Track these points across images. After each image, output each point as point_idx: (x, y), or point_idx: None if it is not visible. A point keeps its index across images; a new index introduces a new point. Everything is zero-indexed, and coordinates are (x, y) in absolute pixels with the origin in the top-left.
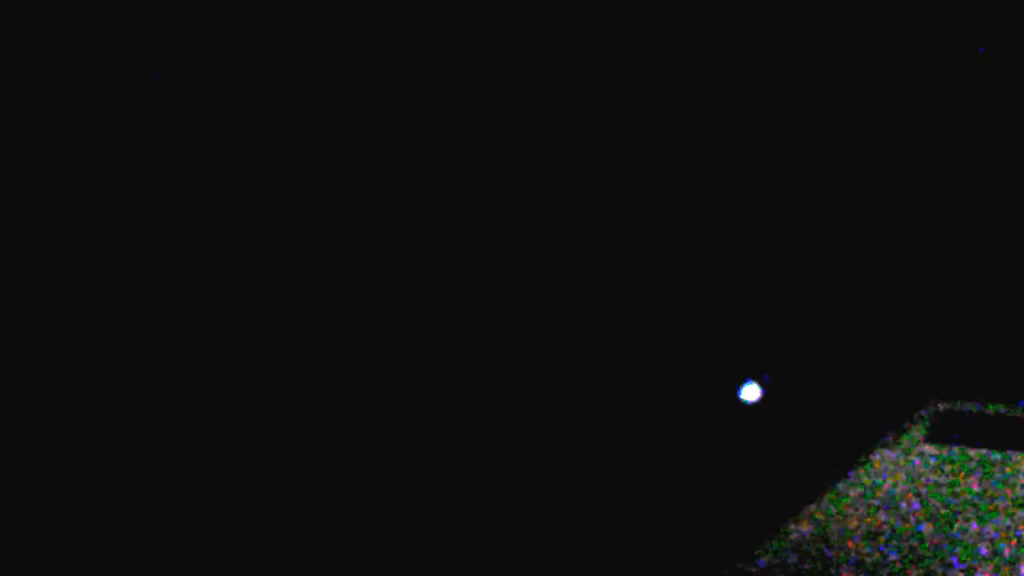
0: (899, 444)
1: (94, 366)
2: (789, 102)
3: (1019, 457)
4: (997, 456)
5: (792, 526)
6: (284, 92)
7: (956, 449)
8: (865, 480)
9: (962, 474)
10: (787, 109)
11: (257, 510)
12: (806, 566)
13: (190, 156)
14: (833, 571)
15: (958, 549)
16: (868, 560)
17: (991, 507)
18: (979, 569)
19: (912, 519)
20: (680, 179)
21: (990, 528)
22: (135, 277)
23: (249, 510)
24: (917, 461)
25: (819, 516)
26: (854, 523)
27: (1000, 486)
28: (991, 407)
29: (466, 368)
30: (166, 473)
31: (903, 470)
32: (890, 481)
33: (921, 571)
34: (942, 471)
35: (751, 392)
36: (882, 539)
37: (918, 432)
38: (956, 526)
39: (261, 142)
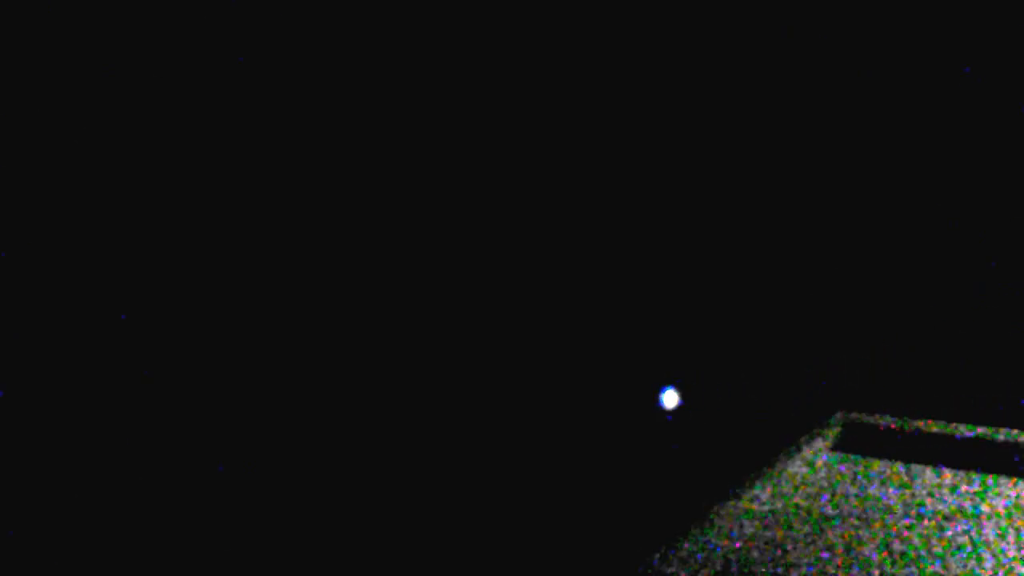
0: (803, 454)
1: (94, 366)
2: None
3: (922, 469)
4: (901, 467)
5: (691, 536)
6: (284, 92)
7: (860, 460)
8: (768, 490)
9: (866, 485)
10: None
11: (257, 510)
12: None
13: (190, 156)
14: None
15: (861, 565)
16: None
17: (894, 519)
18: None
19: (814, 531)
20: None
21: (896, 541)
22: (135, 277)
23: (249, 510)
24: (821, 471)
25: (720, 525)
26: (755, 534)
27: (902, 497)
28: (896, 419)
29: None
30: (166, 473)
31: (807, 480)
32: (793, 491)
33: None
34: (846, 482)
35: (670, 399)
36: (781, 552)
37: (823, 442)
38: (861, 539)
39: (261, 142)
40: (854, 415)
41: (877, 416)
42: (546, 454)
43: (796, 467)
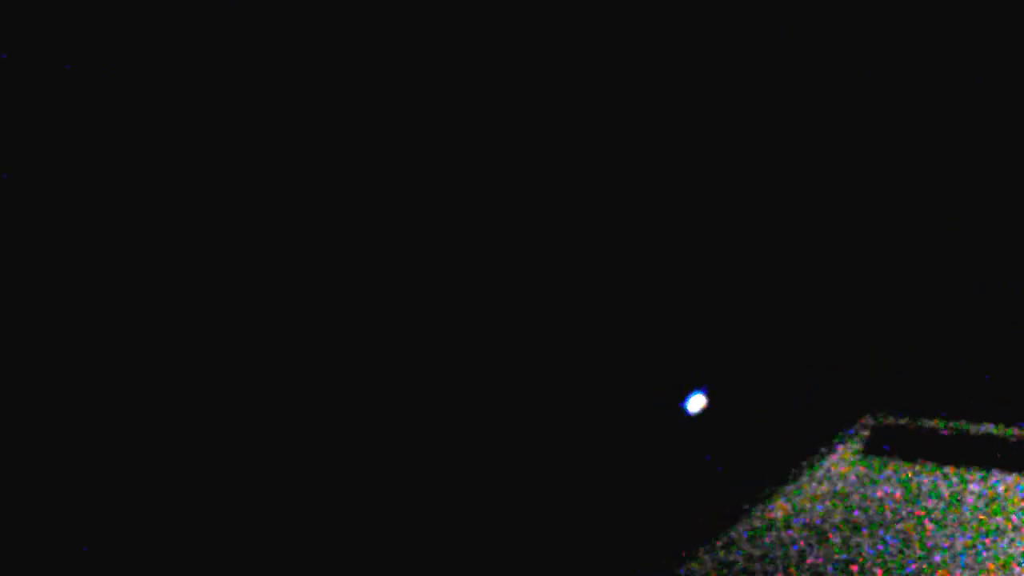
0: (831, 457)
1: (94, 366)
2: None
3: (955, 470)
4: (932, 469)
5: (718, 541)
6: (284, 92)
7: (890, 462)
8: (795, 494)
9: (897, 487)
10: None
11: (257, 510)
12: None
13: (190, 156)
14: None
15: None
16: None
17: (926, 521)
18: None
19: (842, 535)
20: (616, 186)
21: (927, 544)
22: (135, 277)
23: (249, 510)
24: (850, 474)
25: (747, 530)
26: (783, 538)
27: (933, 500)
28: (927, 420)
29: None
30: (166, 473)
31: (835, 484)
32: (821, 495)
33: None
34: (876, 485)
35: (696, 403)
36: (810, 557)
37: (851, 445)
38: (891, 542)
39: (261, 142)
40: (883, 417)
41: (907, 418)
42: (573, 459)
43: (824, 471)
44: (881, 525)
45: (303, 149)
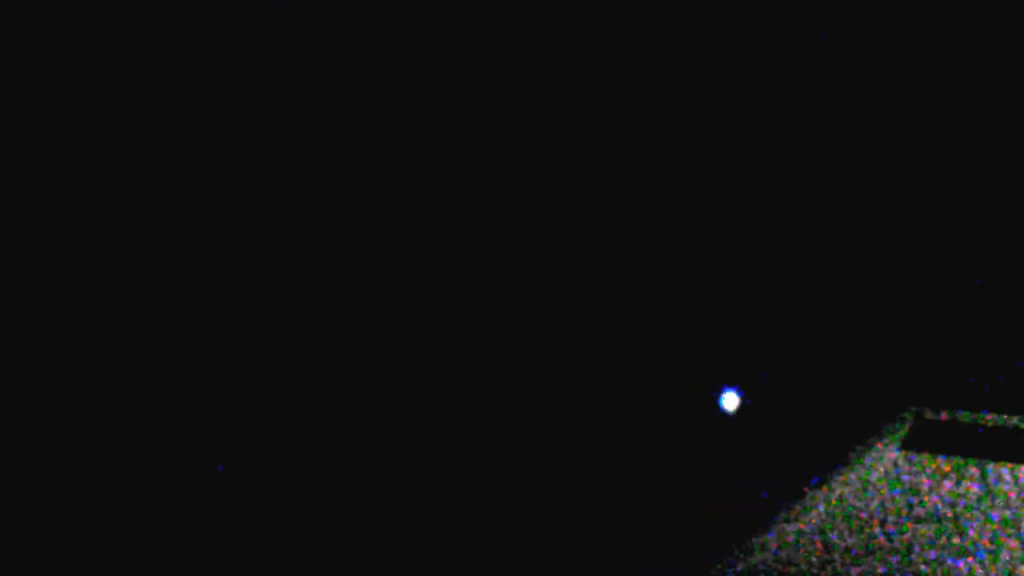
0: (872, 452)
1: (94, 366)
2: (785, 101)
3: (998, 466)
4: (975, 465)
5: (759, 537)
6: (284, 92)
7: (932, 457)
8: (837, 490)
9: (939, 483)
10: (779, 108)
11: (257, 510)
12: None
13: (190, 156)
14: None
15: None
16: None
17: (968, 517)
18: None
19: (884, 531)
20: (654, 182)
21: (965, 541)
22: (135, 277)
23: (249, 510)
24: (892, 470)
25: (788, 527)
26: (824, 535)
27: (976, 495)
28: (966, 415)
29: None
30: (166, 473)
31: (877, 480)
32: (863, 491)
33: None
34: (918, 480)
35: (731, 401)
36: (851, 553)
37: (893, 440)
38: (933, 538)
39: (261, 142)
40: (925, 411)
41: (950, 412)
42: (612, 458)
43: (866, 466)
44: (923, 520)
45: (303, 149)
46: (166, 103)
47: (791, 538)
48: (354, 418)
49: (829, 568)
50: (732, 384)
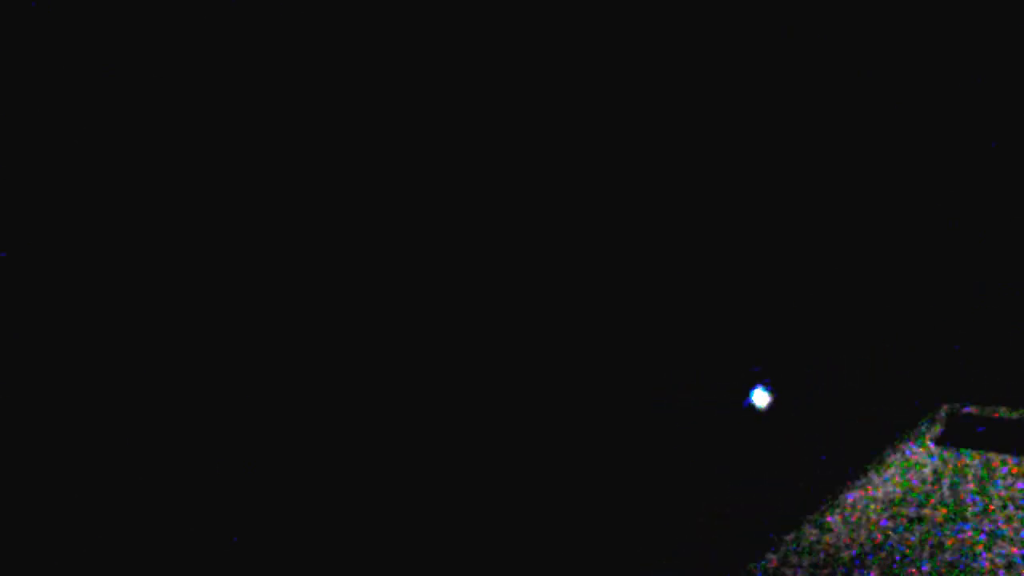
0: (907, 448)
1: (94, 366)
2: (797, 102)
3: None
4: (1012, 460)
5: (794, 534)
6: (284, 92)
7: (968, 453)
8: (870, 486)
9: (974, 479)
10: (794, 109)
11: (257, 510)
12: None
13: (190, 156)
14: None
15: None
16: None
17: (1004, 513)
18: None
19: (919, 528)
20: (676, 180)
21: (999, 535)
22: (135, 277)
23: (249, 510)
24: (927, 466)
25: (822, 524)
26: (858, 531)
27: (1013, 491)
28: (1003, 410)
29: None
30: (166, 473)
31: (911, 476)
32: (897, 487)
33: None
34: (953, 476)
35: (761, 398)
36: (885, 550)
37: (928, 435)
38: (968, 534)
39: (261, 142)
40: (960, 407)
41: (985, 407)
42: (608, 456)
43: (900, 462)
44: (958, 516)
45: (303, 149)
46: (166, 103)
47: (829, 530)
48: (354, 418)
49: (864, 559)
50: (762, 382)
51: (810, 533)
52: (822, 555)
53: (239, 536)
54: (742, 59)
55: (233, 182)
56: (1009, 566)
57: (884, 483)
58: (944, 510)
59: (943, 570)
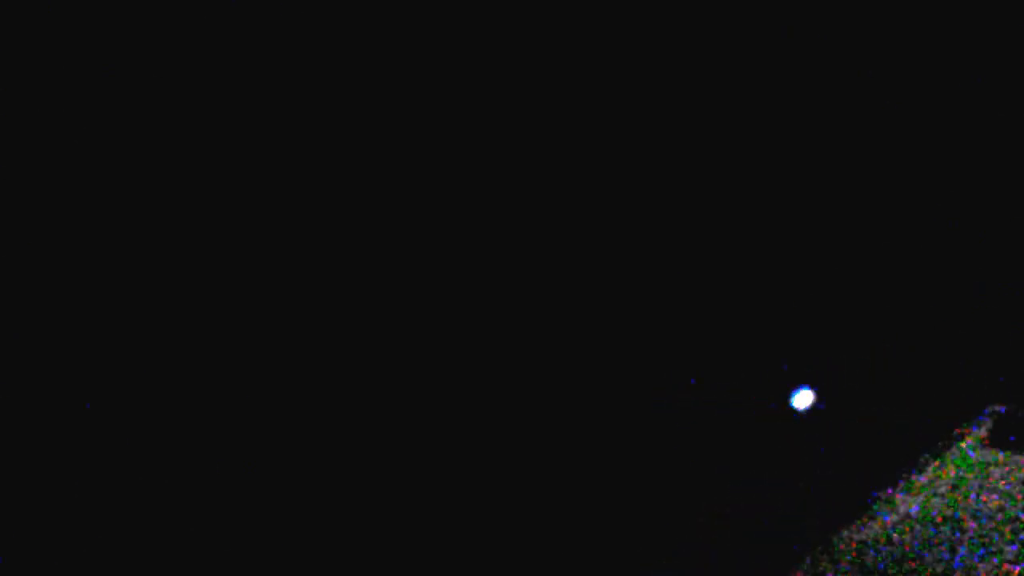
0: (952, 451)
1: (94, 366)
2: (816, 100)
3: None
4: None
5: (837, 538)
6: (284, 92)
7: (1015, 456)
8: (914, 490)
9: (1019, 481)
10: (809, 108)
11: (257, 510)
12: None
13: (190, 156)
14: None
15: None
16: None
17: None
18: None
19: (964, 532)
20: (692, 179)
21: None
22: (135, 277)
23: (249, 510)
24: (972, 469)
25: (865, 528)
26: (902, 535)
27: None
28: None
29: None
30: (166, 473)
31: (956, 479)
32: (942, 491)
33: None
34: (999, 480)
35: (803, 400)
36: (930, 555)
37: (974, 438)
38: (1014, 539)
39: (261, 142)
40: (1008, 407)
41: None
42: (608, 456)
43: (945, 466)
44: (1007, 520)
45: (303, 150)
46: (166, 103)
47: (873, 534)
48: (353, 418)
49: (909, 563)
50: (806, 383)
51: (849, 538)
52: (864, 562)
53: (238, 536)
54: (743, 59)
55: (233, 182)
56: None
57: (929, 484)
58: (989, 512)
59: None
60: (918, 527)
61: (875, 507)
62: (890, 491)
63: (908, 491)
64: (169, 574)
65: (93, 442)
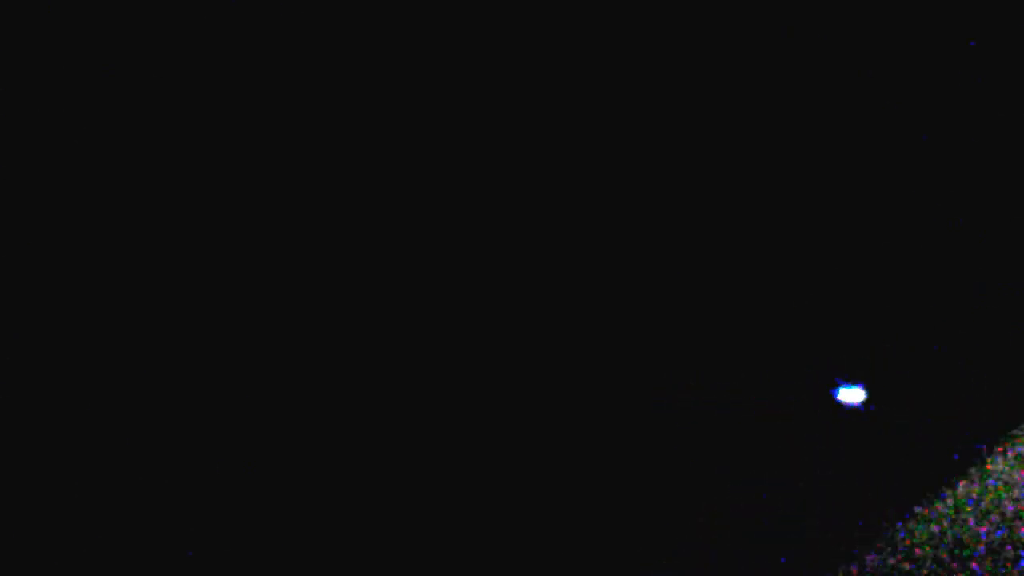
0: (989, 462)
1: (94, 366)
2: (838, 103)
3: None
4: None
5: (884, 540)
6: (284, 92)
7: None
8: (949, 503)
9: None
10: (812, 111)
11: (257, 510)
12: None
13: (190, 156)
14: None
15: None
16: None
17: None
18: None
19: (1001, 548)
20: (689, 180)
21: None
22: (135, 277)
23: (249, 510)
24: (1012, 481)
25: (898, 541)
26: (934, 550)
27: None
28: None
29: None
30: (166, 473)
31: (992, 492)
32: (977, 504)
33: None
34: None
35: (852, 395)
36: (963, 571)
37: (1013, 450)
38: None
39: (261, 142)
40: None
41: None
42: (608, 456)
43: (991, 469)
44: None
45: (303, 150)
46: (166, 103)
47: (897, 550)
48: (354, 418)
49: (951, 566)
50: (852, 379)
51: (874, 556)
52: (912, 559)
53: (238, 536)
54: (744, 59)
55: (233, 182)
56: None
57: (959, 501)
58: None
59: None
60: (942, 542)
61: (900, 522)
62: (916, 506)
63: (951, 494)
64: (169, 574)
65: (92, 442)
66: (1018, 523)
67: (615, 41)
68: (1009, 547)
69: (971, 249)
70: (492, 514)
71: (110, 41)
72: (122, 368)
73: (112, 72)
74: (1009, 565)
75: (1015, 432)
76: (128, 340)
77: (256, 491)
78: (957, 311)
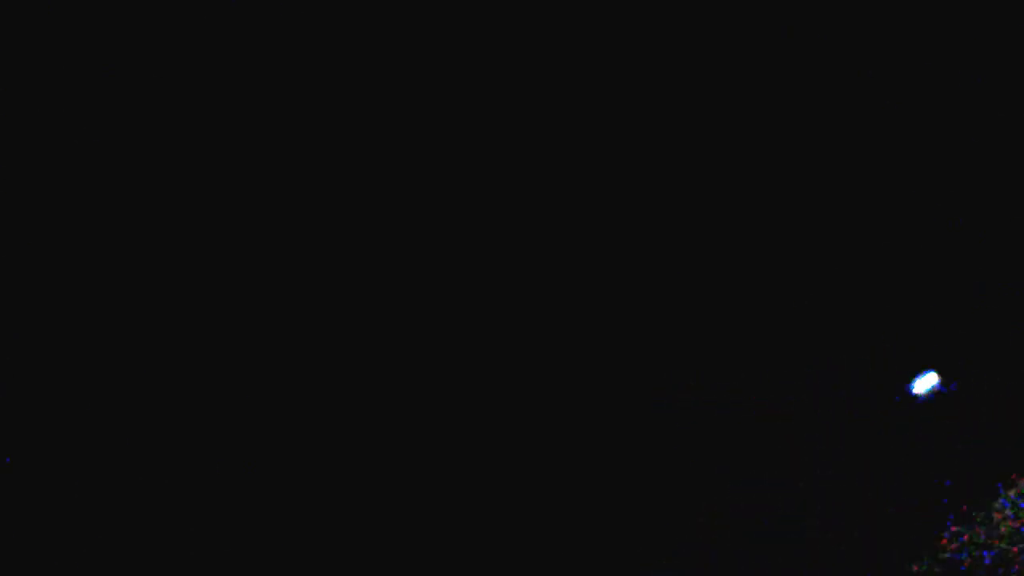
0: None
1: (94, 366)
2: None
3: None
4: None
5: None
6: (284, 92)
7: None
8: (987, 521)
9: None
10: (833, 110)
11: (257, 510)
12: None
13: (190, 156)
14: None
15: None
16: None
17: None
18: None
19: None
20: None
21: None
22: (135, 277)
23: (249, 510)
24: None
25: (940, 555)
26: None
27: None
28: None
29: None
30: (166, 473)
31: None
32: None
33: None
34: None
35: (925, 384)
36: None
37: None
38: None
39: (261, 142)
40: None
41: None
42: (608, 456)
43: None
44: None
45: (303, 149)
46: (166, 103)
47: (940, 564)
48: (355, 418)
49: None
50: (928, 368)
51: (949, 547)
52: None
53: (238, 536)
54: (747, 59)
55: (233, 182)
56: None
57: (996, 519)
58: None
59: None
60: (983, 554)
61: (940, 536)
62: (958, 519)
63: (980, 519)
64: (169, 574)
65: (93, 442)
66: None
67: (615, 41)
68: None
69: (971, 249)
70: (493, 513)
71: (110, 41)
72: (122, 368)
73: (112, 72)
74: None
75: None
76: (128, 340)
77: (256, 491)
78: (957, 311)
